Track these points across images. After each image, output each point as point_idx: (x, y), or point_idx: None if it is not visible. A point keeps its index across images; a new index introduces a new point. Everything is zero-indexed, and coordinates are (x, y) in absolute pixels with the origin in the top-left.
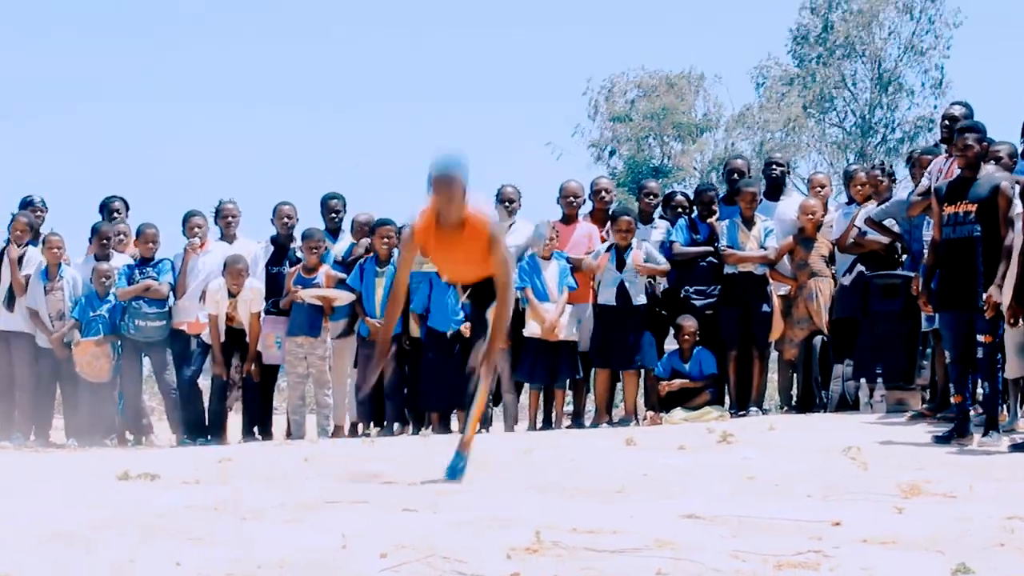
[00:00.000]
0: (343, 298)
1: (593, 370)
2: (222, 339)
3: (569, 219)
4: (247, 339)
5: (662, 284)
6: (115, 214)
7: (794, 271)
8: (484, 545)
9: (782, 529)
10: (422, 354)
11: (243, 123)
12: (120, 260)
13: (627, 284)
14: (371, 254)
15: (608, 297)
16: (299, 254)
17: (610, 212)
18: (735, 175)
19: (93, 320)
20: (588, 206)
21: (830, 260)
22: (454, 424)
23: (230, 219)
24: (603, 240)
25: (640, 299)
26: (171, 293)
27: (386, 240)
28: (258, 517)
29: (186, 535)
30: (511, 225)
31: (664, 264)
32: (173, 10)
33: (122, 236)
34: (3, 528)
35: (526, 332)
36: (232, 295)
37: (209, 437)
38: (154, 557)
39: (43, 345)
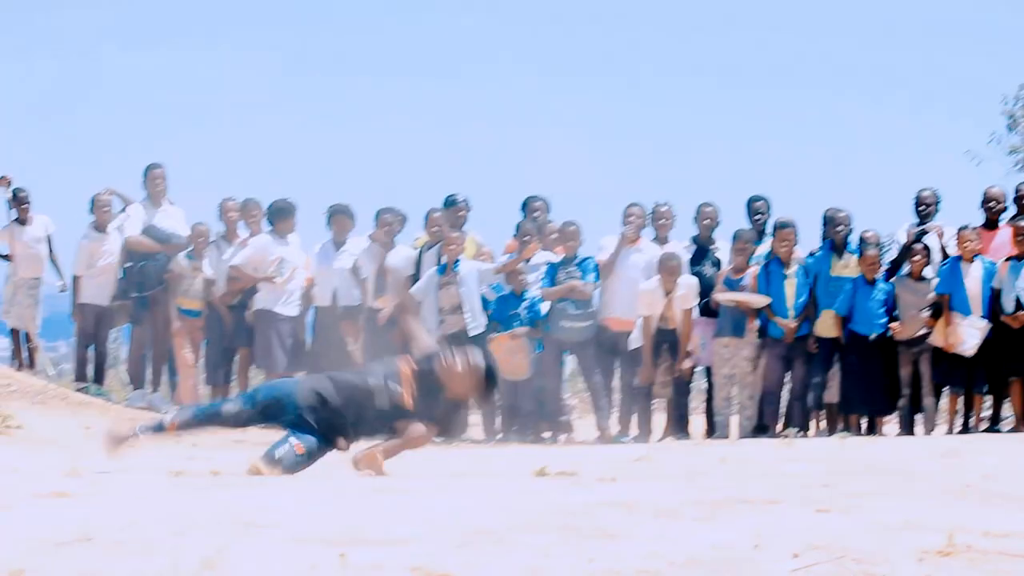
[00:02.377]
0: (757, 302)
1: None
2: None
3: (991, 224)
4: (678, 337)
5: None
6: (535, 213)
7: None
8: (896, 548)
9: None
10: (843, 357)
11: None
12: (542, 258)
13: None
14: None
15: (1009, 305)
16: (717, 255)
17: None
18: None
19: (510, 317)
20: (1011, 211)
21: None
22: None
23: (662, 221)
24: None
25: None
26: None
27: (784, 243)
28: (672, 515)
29: (600, 532)
30: (921, 231)
31: None
32: None
33: (552, 235)
34: (424, 525)
35: (931, 341)
36: (667, 293)
37: (628, 436)
38: (568, 554)
39: None
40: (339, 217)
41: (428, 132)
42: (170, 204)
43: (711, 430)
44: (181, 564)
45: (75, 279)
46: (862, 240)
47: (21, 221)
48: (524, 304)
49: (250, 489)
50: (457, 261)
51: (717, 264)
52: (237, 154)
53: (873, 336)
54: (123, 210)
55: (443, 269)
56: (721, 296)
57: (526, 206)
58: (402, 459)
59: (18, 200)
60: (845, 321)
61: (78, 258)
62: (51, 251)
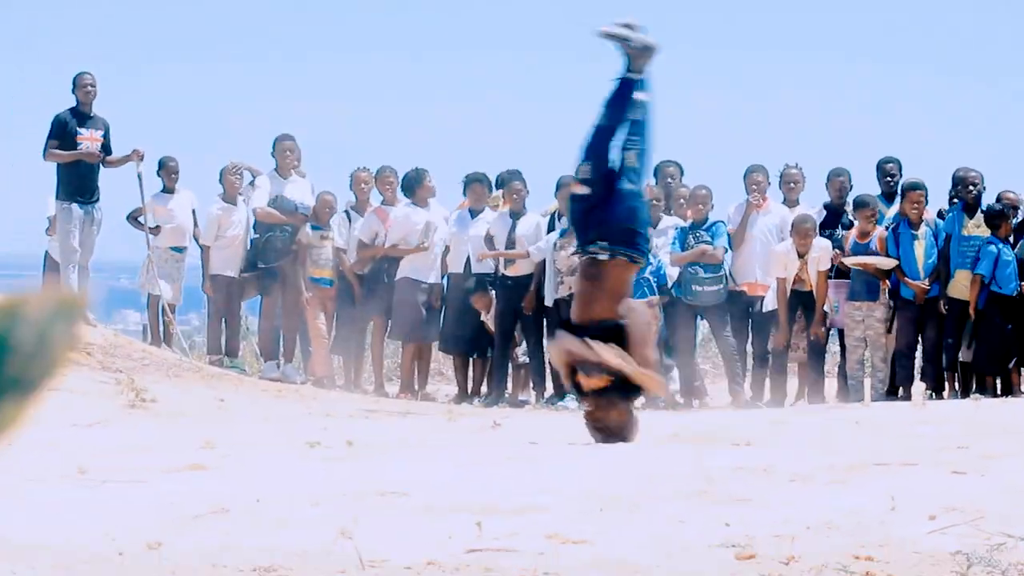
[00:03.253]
0: (885, 264)
1: None
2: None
3: None
4: (813, 300)
5: None
6: (668, 178)
7: None
8: None
9: None
10: (978, 317)
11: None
12: (670, 222)
13: None
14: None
15: None
16: (852, 218)
17: None
18: None
19: (639, 283)
20: None
21: None
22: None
23: (792, 184)
24: None
25: None
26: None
27: (915, 205)
28: (806, 479)
29: (735, 496)
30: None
31: None
32: None
33: (681, 200)
34: (559, 492)
35: None
36: (800, 255)
37: (762, 400)
38: (703, 518)
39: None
40: (475, 186)
41: (550, 101)
42: (300, 176)
43: (844, 393)
44: (317, 535)
45: (204, 250)
46: (1000, 200)
47: (168, 190)
48: (650, 268)
49: (385, 459)
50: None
51: (849, 227)
52: (360, 126)
53: (1008, 295)
54: (252, 182)
55: (564, 232)
56: (849, 259)
57: (658, 171)
58: (537, 426)
59: (167, 169)
60: (985, 283)
61: (207, 229)
62: (196, 225)
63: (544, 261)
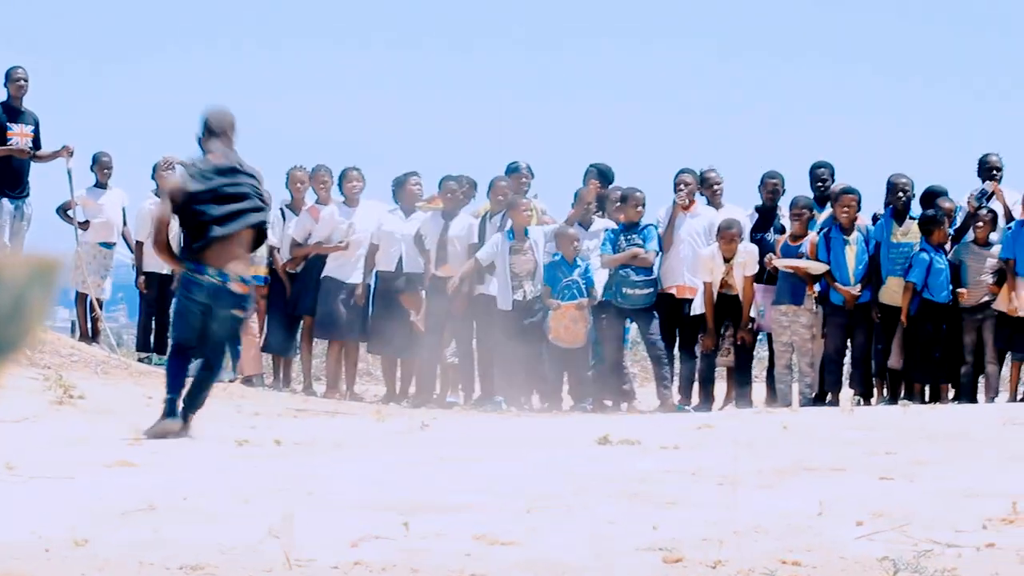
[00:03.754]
0: (816, 268)
1: None
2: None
3: None
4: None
5: None
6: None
7: None
8: (959, 515)
9: None
10: (909, 324)
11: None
12: (602, 224)
13: None
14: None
15: None
16: (783, 222)
17: None
18: None
19: (567, 285)
20: None
21: None
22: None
23: (714, 187)
24: None
25: None
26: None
27: (846, 210)
28: (734, 483)
29: (664, 499)
30: (981, 191)
31: None
32: None
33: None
34: (487, 493)
35: (995, 306)
36: (726, 260)
37: (689, 407)
38: (632, 520)
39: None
40: (408, 185)
41: (490, 100)
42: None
43: (772, 398)
44: (245, 533)
45: (138, 246)
46: (935, 206)
47: (101, 185)
48: (578, 271)
49: (313, 458)
50: (526, 227)
51: (781, 231)
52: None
53: (940, 303)
54: None
55: (512, 234)
56: (779, 262)
57: (587, 174)
58: (466, 427)
59: (100, 164)
60: (917, 291)
61: (140, 224)
62: (124, 223)
63: (473, 261)
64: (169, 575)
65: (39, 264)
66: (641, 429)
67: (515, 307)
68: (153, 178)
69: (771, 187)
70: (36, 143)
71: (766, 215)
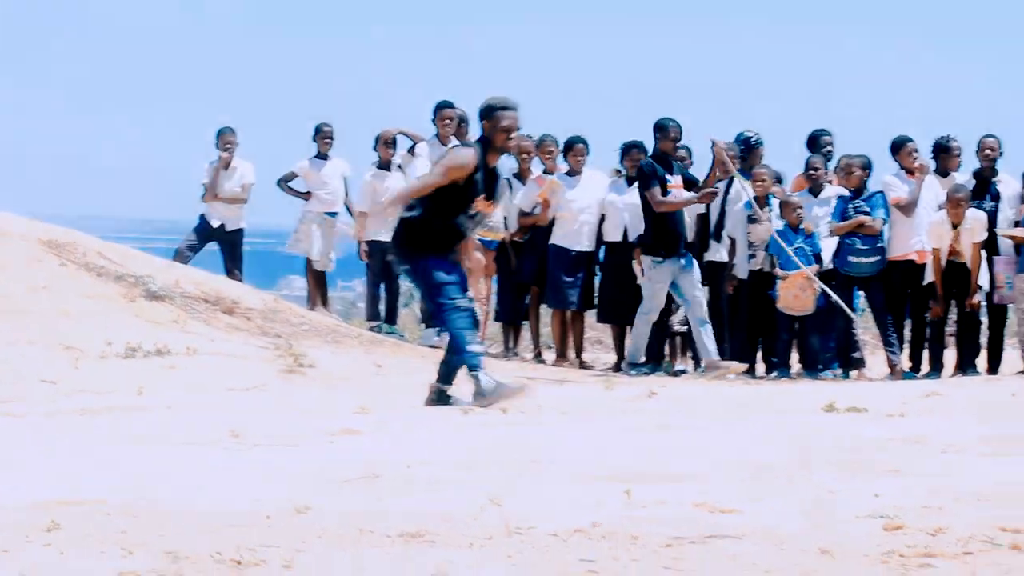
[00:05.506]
0: None
1: None
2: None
3: None
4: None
5: None
6: (825, 148)
7: None
8: None
9: None
10: None
11: None
12: (832, 192)
13: None
14: None
15: None
16: (999, 188)
17: None
18: None
19: (796, 252)
20: None
21: None
22: None
23: (956, 155)
24: None
25: None
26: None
27: None
28: (959, 450)
29: (886, 467)
30: None
31: None
32: None
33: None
34: (709, 461)
35: None
36: (954, 226)
37: (919, 371)
38: (853, 488)
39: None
40: (634, 153)
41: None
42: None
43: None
44: (465, 501)
45: (359, 217)
46: None
47: (322, 156)
48: (803, 238)
49: (536, 426)
50: (769, 196)
51: (998, 198)
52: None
53: None
54: (411, 148)
55: (749, 205)
56: (1005, 231)
57: (814, 141)
58: (693, 395)
59: (321, 134)
60: None
61: (362, 195)
62: (347, 194)
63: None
64: (389, 543)
65: None
66: (868, 396)
67: (750, 276)
68: (375, 149)
69: (988, 148)
70: None
71: (983, 182)
